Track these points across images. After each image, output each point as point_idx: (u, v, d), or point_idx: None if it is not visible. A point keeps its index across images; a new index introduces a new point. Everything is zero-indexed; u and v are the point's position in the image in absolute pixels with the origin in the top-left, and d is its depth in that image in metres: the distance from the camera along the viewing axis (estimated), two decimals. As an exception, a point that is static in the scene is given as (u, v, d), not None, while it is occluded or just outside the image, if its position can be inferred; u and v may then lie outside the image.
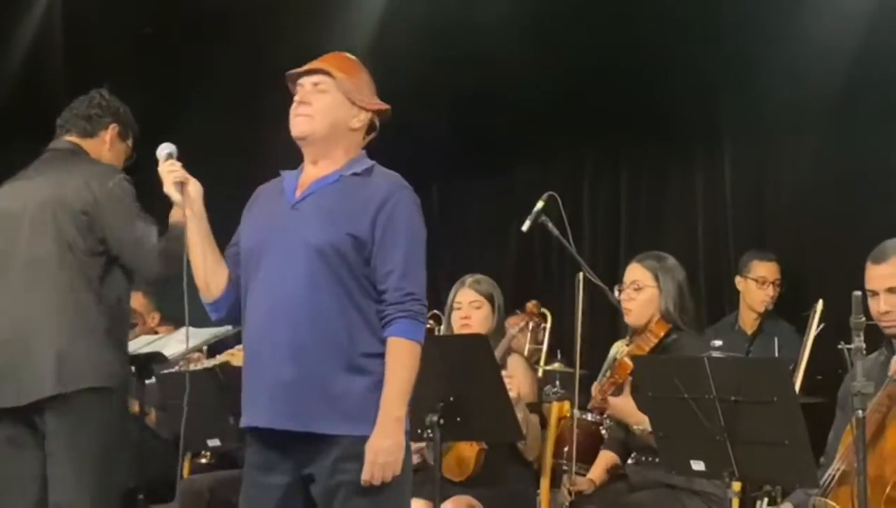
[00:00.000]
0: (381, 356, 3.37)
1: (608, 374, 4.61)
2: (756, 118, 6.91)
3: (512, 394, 4.37)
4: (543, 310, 6.58)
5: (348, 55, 3.62)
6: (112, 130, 4.43)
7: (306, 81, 3.49)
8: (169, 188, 3.50)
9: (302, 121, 3.47)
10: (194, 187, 3.52)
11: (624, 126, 7.42)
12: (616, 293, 4.74)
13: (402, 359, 3.36)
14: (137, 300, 6.44)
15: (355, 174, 3.47)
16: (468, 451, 4.68)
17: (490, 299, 4.94)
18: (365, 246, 3.38)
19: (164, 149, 3.57)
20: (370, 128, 3.57)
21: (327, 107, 3.47)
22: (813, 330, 4.69)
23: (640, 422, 4.39)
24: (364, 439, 3.32)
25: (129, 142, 4.51)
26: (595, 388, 4.65)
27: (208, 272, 3.52)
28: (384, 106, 3.57)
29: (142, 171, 4.08)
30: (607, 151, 7.87)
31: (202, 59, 7.46)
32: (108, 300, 4.21)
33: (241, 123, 7.50)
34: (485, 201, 8.44)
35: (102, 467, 4.14)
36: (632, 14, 6.56)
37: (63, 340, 4.11)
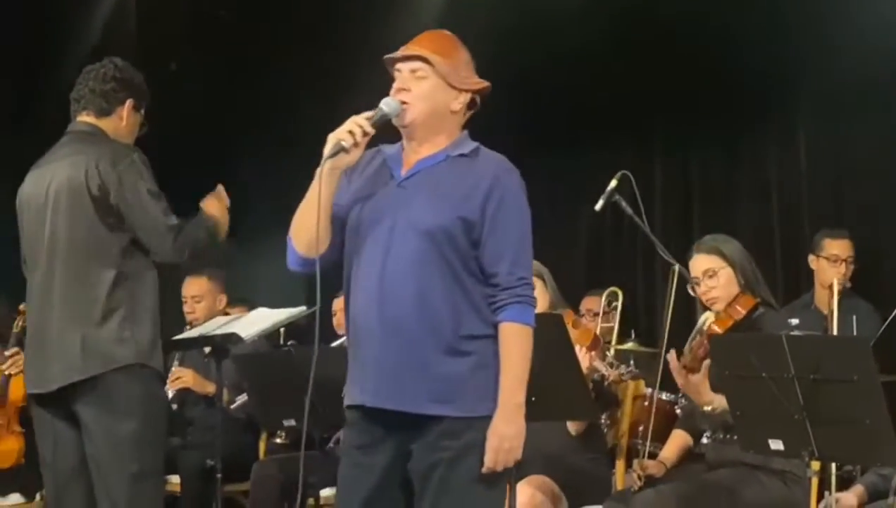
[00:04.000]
0: (485, 337, 3.35)
1: (697, 338, 4.51)
2: (830, 93, 6.81)
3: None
4: (615, 289, 6.56)
5: (445, 33, 3.55)
6: (128, 105, 4.38)
7: (404, 67, 3.44)
8: (337, 134, 3.35)
9: (405, 109, 3.42)
10: (351, 157, 3.37)
11: (694, 103, 7.35)
12: (690, 291, 4.67)
13: (518, 344, 3.35)
14: (201, 285, 6.50)
15: (462, 155, 3.45)
16: None
17: (540, 277, 4.89)
18: (473, 229, 3.35)
19: (384, 105, 3.40)
20: (471, 104, 3.52)
21: (426, 94, 3.42)
22: None
23: (710, 403, 4.34)
24: (464, 419, 3.32)
25: (142, 112, 4.46)
26: (687, 349, 4.54)
27: (319, 234, 3.37)
28: (484, 84, 3.51)
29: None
30: (678, 128, 7.80)
31: (275, 40, 7.51)
32: (133, 277, 4.20)
33: (312, 103, 7.54)
34: (554, 179, 8.39)
35: (140, 443, 4.15)
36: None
37: (86, 323, 4.14)
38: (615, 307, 6.63)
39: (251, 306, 6.16)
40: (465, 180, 3.39)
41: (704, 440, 4.65)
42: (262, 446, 6.34)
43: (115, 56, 4.50)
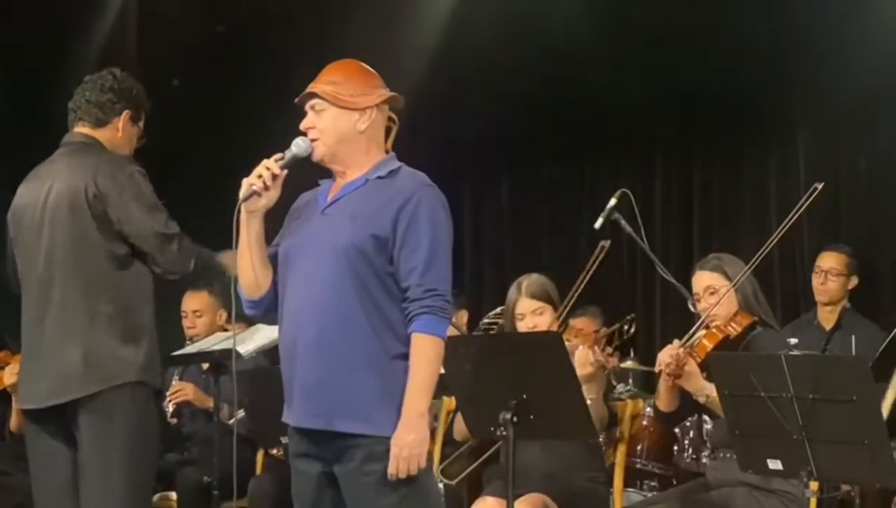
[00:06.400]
0: (403, 356, 3.43)
1: (685, 349, 4.48)
2: (830, 111, 6.83)
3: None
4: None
5: (344, 62, 3.63)
6: (125, 116, 4.35)
7: (307, 108, 3.57)
8: (248, 179, 3.52)
9: (314, 146, 3.55)
10: (267, 199, 3.52)
11: (695, 121, 7.37)
12: (691, 307, 4.65)
13: (423, 355, 3.42)
14: (201, 300, 6.48)
15: (380, 177, 3.54)
16: None
17: (549, 300, 4.87)
18: (386, 245, 3.44)
19: (294, 146, 3.55)
20: (389, 122, 3.62)
21: (327, 125, 3.54)
22: None
23: (703, 390, 4.31)
24: (384, 439, 3.40)
25: (141, 124, 4.43)
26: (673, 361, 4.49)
27: (256, 275, 3.58)
28: (387, 95, 3.59)
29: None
30: (679, 146, 7.81)
31: (273, 56, 7.51)
32: (132, 292, 4.18)
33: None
34: (555, 197, 8.40)
35: (132, 463, 4.13)
36: (703, 8, 6.52)
37: (85, 338, 4.12)
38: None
39: (249, 323, 6.14)
40: (379, 200, 3.48)
41: (707, 459, 4.63)
42: (259, 461, 6.31)
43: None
